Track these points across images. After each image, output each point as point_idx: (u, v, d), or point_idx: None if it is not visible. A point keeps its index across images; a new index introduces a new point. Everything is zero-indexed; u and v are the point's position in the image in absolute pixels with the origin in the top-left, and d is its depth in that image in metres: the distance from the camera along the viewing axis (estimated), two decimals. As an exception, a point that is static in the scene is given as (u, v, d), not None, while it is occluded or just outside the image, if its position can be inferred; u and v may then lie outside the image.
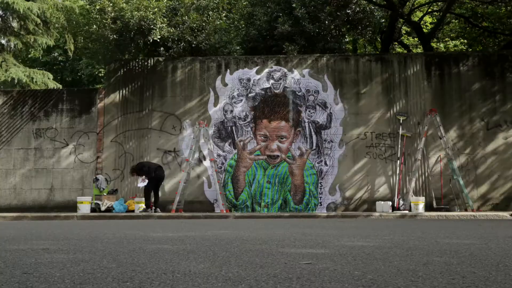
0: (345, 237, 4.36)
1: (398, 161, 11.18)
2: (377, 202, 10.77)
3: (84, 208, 10.43)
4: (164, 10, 11.63)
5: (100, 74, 21.19)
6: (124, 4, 11.21)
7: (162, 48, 11.66)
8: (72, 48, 18.59)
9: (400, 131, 11.30)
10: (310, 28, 12.07)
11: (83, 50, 12.71)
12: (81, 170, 11.80)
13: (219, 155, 11.50)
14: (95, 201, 10.87)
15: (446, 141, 10.73)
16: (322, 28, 12.14)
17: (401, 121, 11.35)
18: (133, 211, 10.62)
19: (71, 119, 12.03)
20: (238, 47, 12.51)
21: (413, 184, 10.57)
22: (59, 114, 12.06)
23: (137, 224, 6.91)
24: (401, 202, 10.75)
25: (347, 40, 17.18)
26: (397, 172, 11.11)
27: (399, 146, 11.23)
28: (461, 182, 10.46)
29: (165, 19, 11.44)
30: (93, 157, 11.80)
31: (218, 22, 12.58)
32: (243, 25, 13.36)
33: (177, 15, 11.85)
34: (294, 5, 11.94)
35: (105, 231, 5.39)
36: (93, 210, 10.60)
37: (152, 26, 11.19)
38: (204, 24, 12.19)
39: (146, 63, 12.12)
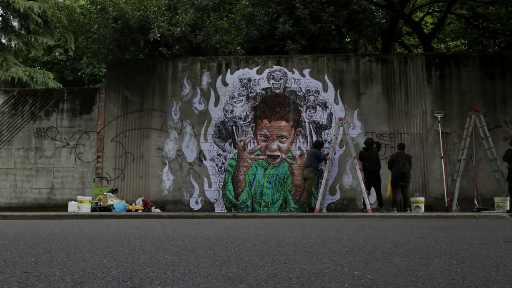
0: (345, 237, 4.36)
1: (442, 160, 11.08)
2: (377, 202, 10.75)
3: (85, 207, 10.44)
4: (164, 8, 11.61)
5: (100, 74, 21.20)
6: (124, 4, 11.21)
7: (163, 48, 11.65)
8: (73, 48, 18.61)
9: (440, 128, 11.24)
10: (311, 28, 12.06)
11: (84, 49, 12.69)
12: (81, 170, 11.80)
13: (219, 155, 11.50)
14: (96, 201, 10.87)
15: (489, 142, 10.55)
16: (323, 28, 12.12)
17: (439, 119, 11.31)
18: (130, 210, 10.64)
19: (71, 118, 12.03)
20: (239, 47, 12.50)
21: (457, 185, 10.39)
22: (59, 114, 12.07)
23: (138, 224, 6.91)
24: (455, 205, 10.33)
25: (348, 40, 17.20)
26: (444, 171, 10.97)
27: (441, 144, 11.17)
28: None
29: (164, 18, 11.43)
30: (94, 157, 11.81)
31: (219, 22, 12.56)
32: (244, 25, 13.34)
33: (177, 14, 11.85)
34: (297, 5, 11.91)
35: (105, 230, 5.40)
36: (93, 209, 10.61)
37: (152, 26, 11.19)
38: (204, 23, 12.18)
39: (146, 63, 12.12)
